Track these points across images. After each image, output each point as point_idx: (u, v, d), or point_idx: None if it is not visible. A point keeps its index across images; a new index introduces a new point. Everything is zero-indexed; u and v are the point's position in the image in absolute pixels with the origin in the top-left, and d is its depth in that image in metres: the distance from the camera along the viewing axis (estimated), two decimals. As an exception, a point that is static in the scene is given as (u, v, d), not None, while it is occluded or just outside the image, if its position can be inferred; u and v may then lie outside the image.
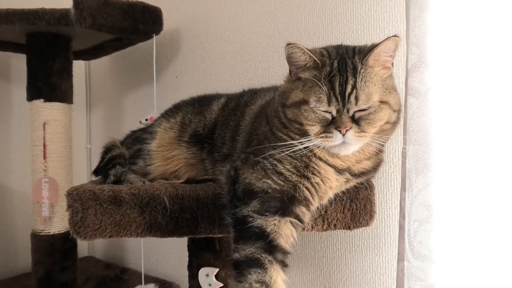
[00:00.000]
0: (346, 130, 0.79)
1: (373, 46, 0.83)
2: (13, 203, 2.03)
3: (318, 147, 0.82)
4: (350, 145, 0.82)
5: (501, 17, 0.80)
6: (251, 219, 0.80)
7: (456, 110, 0.85)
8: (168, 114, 1.22)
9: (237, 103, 1.13)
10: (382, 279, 1.20)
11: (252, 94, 1.15)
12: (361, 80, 0.80)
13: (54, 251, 1.62)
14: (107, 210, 0.88)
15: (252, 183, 0.83)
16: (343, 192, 0.91)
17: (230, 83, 1.61)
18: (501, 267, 0.82)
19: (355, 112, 0.80)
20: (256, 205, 0.80)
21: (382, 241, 1.20)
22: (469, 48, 0.84)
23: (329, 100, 0.80)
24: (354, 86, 0.79)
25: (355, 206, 0.93)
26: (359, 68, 0.81)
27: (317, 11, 1.33)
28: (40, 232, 1.62)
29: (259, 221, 0.79)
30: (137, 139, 1.17)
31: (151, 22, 1.57)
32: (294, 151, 0.82)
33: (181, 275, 1.84)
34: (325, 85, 0.80)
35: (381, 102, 0.81)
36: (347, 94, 0.79)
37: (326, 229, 0.93)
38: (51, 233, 1.62)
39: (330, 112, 0.80)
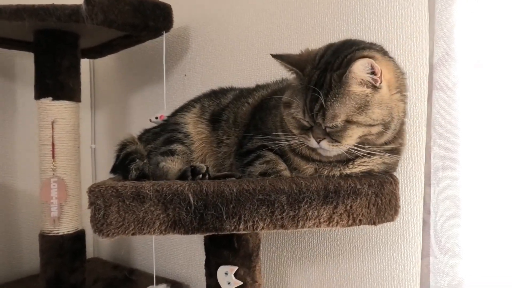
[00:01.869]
0: (319, 140, 0.87)
1: (349, 63, 0.84)
2: (18, 204, 2.00)
3: (301, 144, 0.92)
4: (328, 151, 0.89)
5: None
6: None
7: (484, 104, 0.85)
8: (188, 106, 1.24)
9: (245, 93, 1.20)
10: (401, 275, 1.19)
11: (262, 87, 1.21)
12: (330, 100, 0.84)
13: (63, 252, 1.60)
14: (130, 207, 0.86)
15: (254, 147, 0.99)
16: (368, 185, 0.90)
17: (241, 80, 1.60)
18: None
19: (325, 127, 0.86)
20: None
21: (401, 237, 1.19)
22: (497, 42, 0.84)
23: (304, 112, 0.88)
24: (321, 106, 0.85)
25: (380, 201, 0.92)
26: (333, 86, 0.85)
27: (332, 7, 1.33)
28: (49, 233, 1.59)
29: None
30: (164, 130, 1.18)
31: (161, 19, 1.55)
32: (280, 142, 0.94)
33: (191, 275, 1.82)
34: (301, 97, 0.88)
35: (348, 122, 0.85)
36: (314, 111, 0.86)
37: (351, 225, 0.92)
38: (60, 234, 1.59)
39: (307, 121, 0.89)
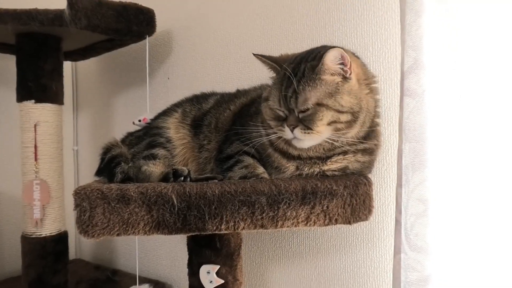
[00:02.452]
0: (293, 127, 0.92)
1: (321, 57, 0.92)
2: (1, 206, 1.99)
3: (279, 137, 0.97)
4: (301, 141, 0.94)
5: (493, 22, 0.86)
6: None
7: (450, 109, 0.91)
8: (169, 111, 1.26)
9: (226, 99, 1.24)
10: (377, 272, 1.24)
11: (243, 93, 1.25)
12: (302, 85, 0.92)
13: (45, 254, 1.61)
14: (115, 208, 0.89)
15: (233, 152, 1.04)
16: (344, 186, 0.95)
17: (222, 84, 1.63)
18: (494, 258, 0.87)
19: (298, 113, 0.92)
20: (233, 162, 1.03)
21: (376, 235, 1.24)
22: (463, 51, 0.90)
23: (279, 101, 0.95)
24: (294, 91, 0.92)
25: (355, 201, 0.97)
26: (305, 74, 0.93)
27: (311, 13, 1.37)
28: (31, 235, 1.60)
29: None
30: (146, 135, 1.20)
31: (144, 23, 1.57)
32: (260, 136, 1.00)
33: (174, 275, 1.85)
34: (277, 88, 0.96)
35: (318, 104, 0.91)
36: (288, 97, 0.93)
37: (328, 224, 0.97)
38: (42, 235, 1.60)
39: (282, 111, 0.95)
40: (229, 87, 1.37)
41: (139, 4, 1.57)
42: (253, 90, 1.22)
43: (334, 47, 0.92)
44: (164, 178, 0.99)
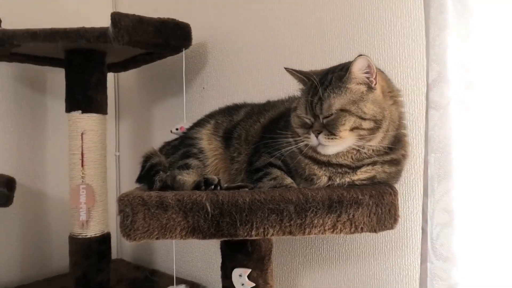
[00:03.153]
0: (317, 133, 0.97)
1: (348, 68, 0.97)
2: (49, 208, 2.15)
3: (306, 145, 1.01)
4: (326, 147, 0.98)
5: None
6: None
7: (474, 121, 0.92)
8: (203, 122, 1.32)
9: (256, 111, 1.29)
10: (405, 280, 1.26)
11: (273, 104, 1.30)
12: (327, 92, 0.97)
13: (90, 254, 1.72)
14: (155, 214, 0.97)
15: (262, 165, 1.09)
16: (369, 195, 0.99)
17: (256, 94, 1.69)
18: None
19: (323, 119, 0.97)
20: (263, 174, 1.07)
21: (405, 244, 1.26)
22: (486, 64, 0.91)
23: (306, 108, 1.00)
24: (319, 98, 0.98)
25: (380, 211, 1.00)
26: (332, 82, 0.98)
27: (340, 25, 1.41)
28: (78, 235, 1.72)
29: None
30: (181, 145, 1.27)
31: (181, 38, 1.66)
32: (290, 145, 1.04)
33: (208, 277, 1.92)
34: (305, 97, 1.02)
35: (342, 110, 0.96)
36: (313, 104, 0.98)
37: (354, 232, 1.00)
38: (88, 236, 1.72)
39: (309, 118, 1.00)
40: (262, 97, 1.42)
41: (177, 19, 1.66)
42: (281, 103, 1.26)
43: (360, 55, 0.95)
44: (196, 187, 1.06)
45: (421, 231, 1.07)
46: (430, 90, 0.96)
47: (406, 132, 1.08)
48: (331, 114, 0.96)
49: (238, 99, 1.65)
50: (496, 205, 0.90)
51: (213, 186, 1.03)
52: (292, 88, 1.55)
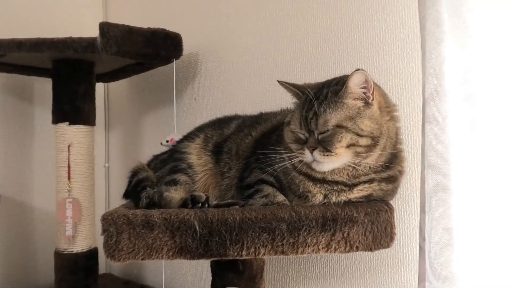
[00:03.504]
0: (312, 149, 0.93)
1: (345, 82, 0.94)
2: (35, 222, 2.10)
3: (300, 161, 0.97)
4: (321, 163, 0.94)
5: None
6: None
7: (473, 135, 0.89)
8: (192, 135, 1.28)
9: (248, 123, 1.25)
10: (402, 299, 1.22)
11: (266, 117, 1.26)
12: (323, 107, 0.93)
13: (76, 269, 1.67)
14: (140, 234, 0.92)
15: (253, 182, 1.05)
16: (365, 213, 0.95)
17: (247, 105, 1.66)
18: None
19: (318, 134, 0.93)
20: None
21: (401, 260, 1.22)
22: (484, 77, 0.89)
23: (300, 123, 0.96)
24: (315, 113, 0.94)
25: (376, 229, 0.97)
26: (328, 97, 0.95)
27: (333, 37, 1.39)
28: (64, 251, 1.67)
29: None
30: (170, 159, 1.22)
31: (171, 48, 1.63)
32: (283, 161, 1.00)
33: (199, 292, 1.87)
34: (299, 111, 0.98)
35: (338, 126, 0.92)
36: (308, 119, 0.95)
37: (349, 251, 0.97)
38: (74, 252, 1.67)
39: (303, 134, 0.96)
40: (254, 109, 1.39)
41: (167, 29, 1.63)
42: (273, 116, 1.23)
43: (358, 70, 0.92)
44: (183, 204, 1.01)
45: (417, 248, 1.03)
46: (427, 104, 0.93)
47: (402, 147, 1.05)
48: (327, 130, 0.92)
49: (229, 110, 1.62)
50: (498, 223, 0.87)
51: (200, 204, 0.98)
52: (285, 100, 1.52)
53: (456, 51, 0.90)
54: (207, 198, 1.01)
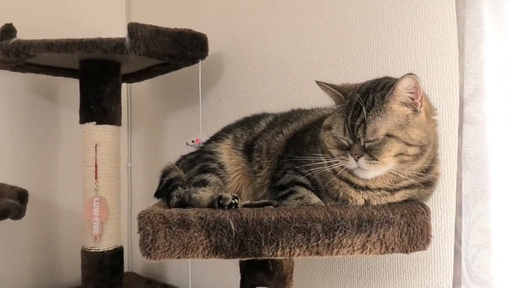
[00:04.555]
0: (358, 157, 0.90)
1: (392, 86, 0.90)
2: (61, 221, 2.13)
3: (342, 167, 0.95)
4: (365, 171, 0.92)
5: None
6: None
7: (513, 137, 0.88)
8: (220, 136, 1.27)
9: (280, 121, 1.23)
10: (433, 302, 1.20)
11: (297, 115, 1.23)
12: (371, 114, 0.90)
13: (103, 268, 1.69)
14: (176, 232, 0.93)
15: (286, 183, 1.04)
16: (401, 214, 0.94)
17: (272, 106, 1.66)
18: None
19: (365, 142, 0.90)
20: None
21: (433, 263, 1.21)
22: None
23: (344, 130, 0.93)
24: (363, 120, 0.90)
25: (412, 231, 0.96)
26: (375, 103, 0.91)
27: (363, 37, 1.38)
28: (90, 249, 1.68)
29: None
30: (198, 158, 1.21)
31: (198, 48, 1.64)
32: (321, 165, 0.98)
33: (222, 292, 1.87)
34: (342, 117, 0.94)
35: (388, 135, 0.89)
36: (355, 126, 0.91)
37: (384, 253, 0.96)
38: (100, 250, 1.68)
39: (347, 140, 0.93)
40: (278, 109, 1.38)
41: (193, 30, 1.64)
42: (305, 114, 1.21)
43: (409, 74, 0.89)
44: (210, 205, 0.99)
45: (452, 251, 1.02)
46: (466, 105, 0.91)
47: (438, 150, 1.03)
48: (376, 139, 0.89)
49: (254, 110, 1.61)
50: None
51: (226, 206, 0.95)
52: (311, 101, 1.53)
53: (495, 51, 0.89)
54: (234, 198, 0.98)
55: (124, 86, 2.29)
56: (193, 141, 1.64)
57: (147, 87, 2.28)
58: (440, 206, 1.19)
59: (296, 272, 1.56)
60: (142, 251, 0.93)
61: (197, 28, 1.68)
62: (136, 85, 2.26)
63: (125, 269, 2.31)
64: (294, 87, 1.60)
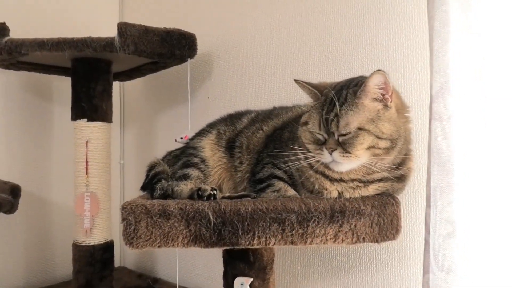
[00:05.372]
0: (332, 150, 0.95)
1: (363, 83, 0.95)
2: (53, 216, 2.17)
3: (318, 161, 0.99)
4: (340, 164, 0.96)
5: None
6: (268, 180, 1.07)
7: (476, 133, 0.92)
8: (204, 131, 1.32)
9: (260, 118, 1.28)
10: (408, 291, 1.25)
11: (278, 112, 1.28)
12: (344, 109, 0.95)
13: (93, 261, 1.73)
14: (157, 222, 0.97)
15: (265, 176, 1.08)
16: (371, 206, 0.99)
17: (260, 103, 1.71)
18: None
19: (339, 136, 0.95)
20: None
21: (408, 254, 1.26)
22: (490, 76, 0.92)
23: (319, 124, 0.98)
24: (336, 115, 0.95)
25: (382, 221, 1.00)
26: (348, 99, 0.96)
27: (344, 37, 1.43)
28: (81, 243, 1.73)
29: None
30: (182, 154, 1.26)
31: (186, 47, 1.68)
32: (298, 160, 1.03)
33: (211, 285, 1.92)
34: (318, 112, 0.99)
35: (359, 129, 0.94)
36: (329, 121, 0.96)
37: (355, 242, 1.00)
38: (91, 244, 1.73)
39: (322, 135, 0.98)
40: (265, 105, 1.43)
41: (182, 29, 1.68)
42: (285, 111, 1.26)
43: (378, 70, 0.94)
44: (190, 196, 1.05)
45: (423, 242, 1.07)
46: (433, 102, 0.96)
47: (412, 146, 1.08)
48: (349, 133, 0.94)
49: (242, 108, 1.66)
50: (499, 216, 0.90)
51: (205, 198, 1.01)
52: (296, 98, 1.57)
53: (462, 50, 0.94)
54: (213, 189, 1.03)
55: (117, 84, 2.34)
56: (181, 138, 1.69)
57: (139, 86, 2.33)
58: (414, 199, 1.24)
59: (280, 264, 1.62)
60: (124, 240, 0.98)
61: (188, 27, 1.72)
62: (128, 84, 2.30)
63: (118, 264, 2.37)
64: (280, 85, 1.64)
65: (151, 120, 2.29)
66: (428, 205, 1.01)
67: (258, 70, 1.72)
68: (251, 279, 1.18)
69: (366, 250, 1.36)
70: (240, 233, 0.98)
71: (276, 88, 1.66)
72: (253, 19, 1.75)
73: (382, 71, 0.94)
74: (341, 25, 1.44)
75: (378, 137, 0.95)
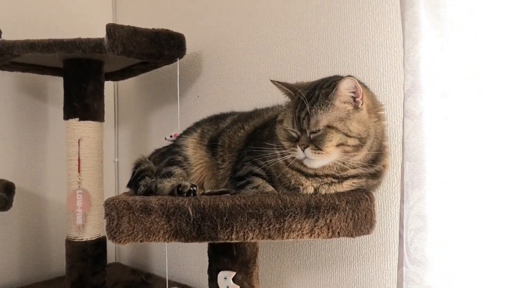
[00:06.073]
0: (304, 147, 0.99)
1: (336, 84, 0.99)
2: (48, 212, 2.21)
3: (292, 158, 1.03)
4: (312, 160, 1.00)
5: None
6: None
7: (446, 130, 0.95)
8: (190, 130, 1.36)
9: (242, 118, 1.31)
10: (387, 284, 1.29)
11: (259, 112, 1.32)
12: (315, 108, 0.99)
13: (86, 257, 1.77)
14: (139, 218, 1.01)
15: (244, 174, 1.12)
16: (346, 201, 1.02)
17: (247, 102, 1.74)
18: (489, 269, 0.91)
19: (310, 133, 0.99)
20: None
21: (387, 249, 1.29)
22: (458, 75, 0.95)
23: (293, 122, 1.02)
24: (307, 113, 0.99)
25: (357, 216, 1.04)
26: (319, 99, 1.00)
27: (326, 37, 1.46)
28: (74, 239, 1.77)
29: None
30: (168, 152, 1.30)
31: (175, 47, 1.71)
32: (275, 157, 1.06)
33: (201, 280, 1.96)
34: (292, 111, 1.03)
35: (328, 126, 0.98)
36: (301, 119, 1.00)
37: (331, 237, 1.04)
38: (84, 240, 1.76)
39: (295, 132, 1.02)
40: (253, 104, 1.47)
41: (170, 30, 1.71)
42: (266, 111, 1.29)
43: (348, 76, 0.98)
44: (171, 193, 1.09)
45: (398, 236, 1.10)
46: (405, 100, 0.99)
47: (387, 143, 1.11)
48: (318, 130, 0.98)
49: (231, 107, 1.70)
50: (467, 210, 0.93)
51: (185, 194, 1.05)
52: (281, 98, 1.60)
53: (431, 50, 0.97)
54: (193, 186, 1.07)
55: (110, 84, 2.38)
56: (171, 136, 1.72)
57: (132, 85, 2.36)
58: (394, 194, 1.27)
59: (265, 260, 1.65)
60: (108, 235, 1.02)
61: (178, 28, 1.75)
62: (122, 83, 2.34)
63: (113, 260, 2.42)
64: (267, 84, 1.67)
65: (144, 118, 2.33)
66: (402, 201, 1.04)
67: (245, 70, 1.76)
68: (234, 273, 1.22)
69: (348, 245, 1.40)
70: (219, 228, 1.01)
71: (262, 87, 1.69)
72: (240, 21, 1.78)
73: (352, 76, 0.98)
74: (323, 27, 1.47)
75: (347, 135, 0.98)
